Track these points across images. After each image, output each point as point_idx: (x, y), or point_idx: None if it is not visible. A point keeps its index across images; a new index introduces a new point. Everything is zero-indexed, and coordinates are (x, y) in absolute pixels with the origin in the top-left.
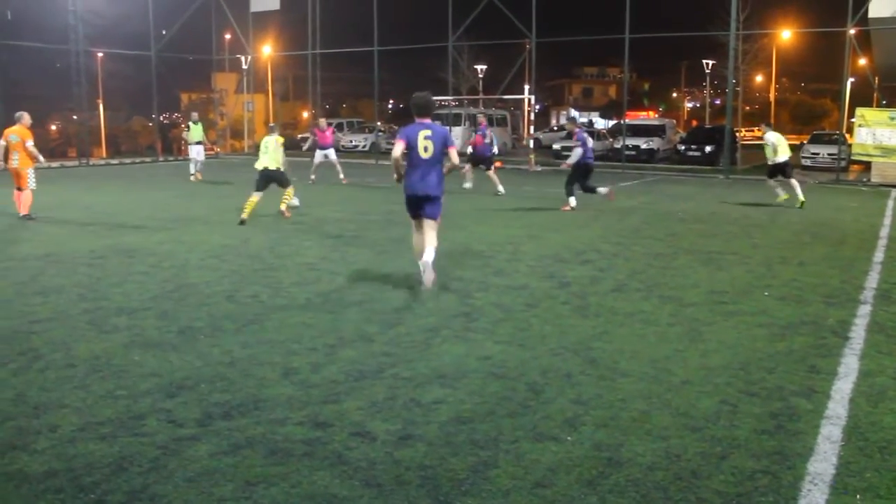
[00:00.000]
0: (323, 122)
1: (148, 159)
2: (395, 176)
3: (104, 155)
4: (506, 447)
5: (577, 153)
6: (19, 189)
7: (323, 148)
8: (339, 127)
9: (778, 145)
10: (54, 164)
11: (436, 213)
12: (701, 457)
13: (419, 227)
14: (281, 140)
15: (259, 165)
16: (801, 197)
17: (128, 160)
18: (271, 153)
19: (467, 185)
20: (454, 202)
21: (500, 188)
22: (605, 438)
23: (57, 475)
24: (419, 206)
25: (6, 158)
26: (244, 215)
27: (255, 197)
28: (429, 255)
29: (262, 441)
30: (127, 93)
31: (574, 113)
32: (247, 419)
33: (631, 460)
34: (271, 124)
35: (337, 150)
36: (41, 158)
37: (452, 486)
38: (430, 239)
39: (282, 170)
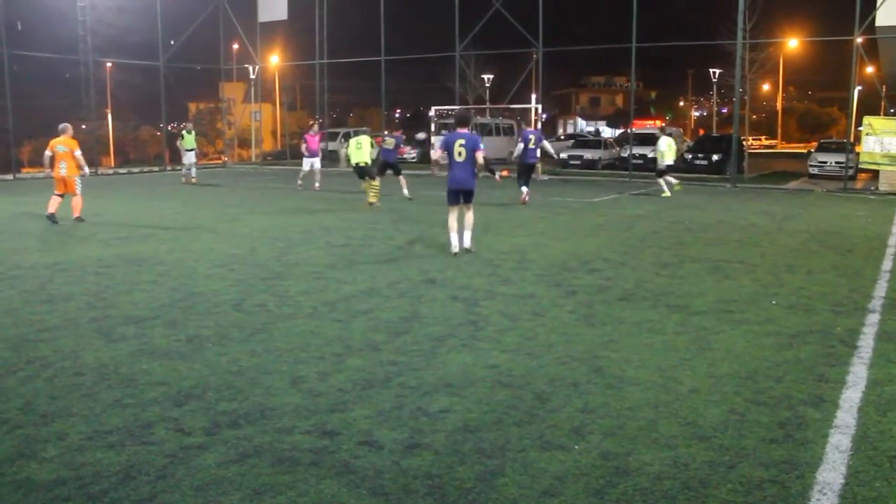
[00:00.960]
0: (315, 126)
1: (156, 168)
2: (434, 169)
3: (112, 164)
4: (513, 456)
5: (518, 148)
6: (59, 196)
7: (311, 155)
8: (347, 136)
9: (666, 151)
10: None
11: (470, 199)
12: (709, 466)
13: (455, 211)
14: (369, 140)
15: (353, 161)
16: (668, 192)
17: (136, 169)
18: (364, 149)
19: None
20: None
21: (406, 191)
22: (613, 447)
23: (65, 483)
24: (459, 196)
25: (52, 167)
26: (373, 200)
27: (375, 182)
28: (467, 238)
29: (270, 450)
30: (135, 102)
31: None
32: (254, 428)
33: (638, 469)
34: (363, 128)
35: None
36: (86, 170)
37: (459, 494)
38: (468, 218)
39: (369, 164)
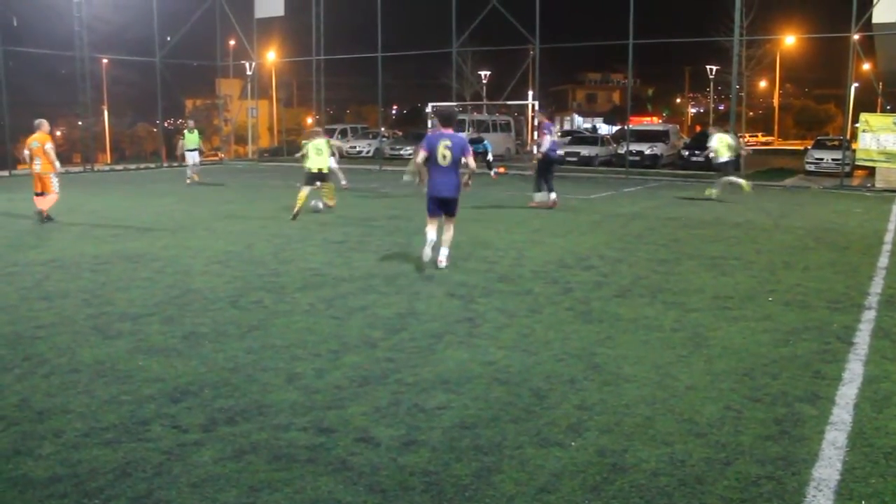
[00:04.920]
0: (319, 130)
1: (152, 165)
2: (417, 179)
3: (108, 160)
4: (510, 453)
5: (546, 141)
6: (39, 194)
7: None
8: (343, 133)
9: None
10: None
11: (453, 211)
12: (705, 463)
13: (434, 221)
14: (328, 142)
15: (315, 167)
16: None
17: (132, 166)
18: (325, 154)
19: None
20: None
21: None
22: (609, 444)
23: (61, 480)
24: (439, 206)
25: (31, 164)
26: (296, 210)
27: (304, 192)
28: (444, 254)
29: (266, 446)
30: (131, 99)
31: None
32: (251, 424)
33: (635, 466)
34: (317, 128)
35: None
36: (58, 165)
37: (456, 491)
38: (449, 233)
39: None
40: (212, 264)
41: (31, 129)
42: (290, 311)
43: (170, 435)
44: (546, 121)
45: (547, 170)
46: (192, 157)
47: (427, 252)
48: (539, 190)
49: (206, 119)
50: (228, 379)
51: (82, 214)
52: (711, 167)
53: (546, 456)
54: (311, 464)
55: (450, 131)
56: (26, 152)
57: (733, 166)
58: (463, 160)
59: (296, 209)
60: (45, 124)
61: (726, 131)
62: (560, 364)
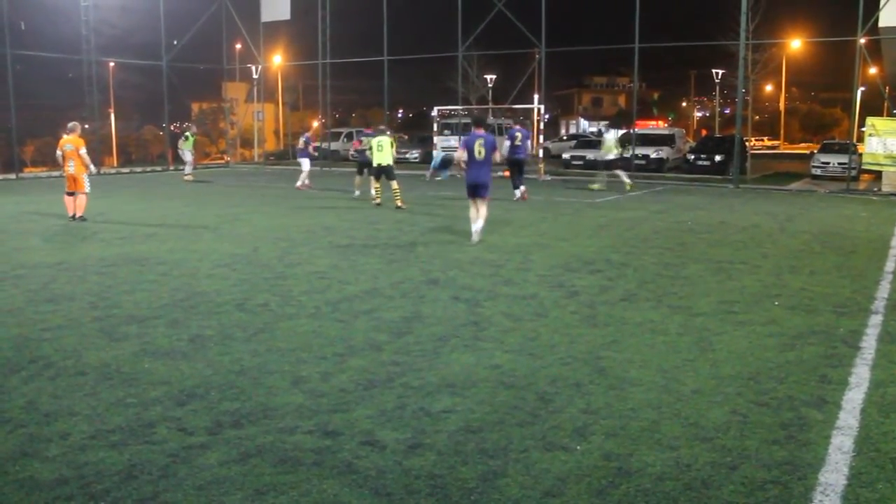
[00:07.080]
0: (383, 128)
1: (158, 168)
2: (461, 165)
3: (115, 163)
4: (515, 456)
5: (505, 145)
6: (70, 194)
7: (305, 155)
8: (350, 136)
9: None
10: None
11: (486, 194)
12: (711, 467)
13: (474, 203)
14: (391, 140)
15: (375, 162)
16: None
17: (138, 169)
18: (385, 151)
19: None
20: (463, 210)
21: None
22: (615, 448)
23: (67, 482)
24: (476, 190)
25: (63, 165)
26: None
27: (377, 184)
28: (479, 224)
29: (272, 449)
30: (138, 102)
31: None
32: (256, 427)
33: (641, 470)
34: (382, 126)
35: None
36: (92, 168)
37: (462, 495)
38: (482, 212)
39: (392, 165)
40: (218, 267)
41: (37, 132)
42: (296, 314)
43: (175, 437)
44: (514, 126)
45: (513, 169)
46: (189, 157)
47: (474, 231)
48: (517, 186)
49: (213, 122)
50: (234, 382)
51: (88, 217)
52: (600, 163)
53: (551, 460)
54: (317, 467)
55: (482, 132)
56: (59, 153)
57: (620, 163)
58: (494, 155)
59: (376, 201)
60: (78, 127)
61: (617, 131)
62: (566, 368)
